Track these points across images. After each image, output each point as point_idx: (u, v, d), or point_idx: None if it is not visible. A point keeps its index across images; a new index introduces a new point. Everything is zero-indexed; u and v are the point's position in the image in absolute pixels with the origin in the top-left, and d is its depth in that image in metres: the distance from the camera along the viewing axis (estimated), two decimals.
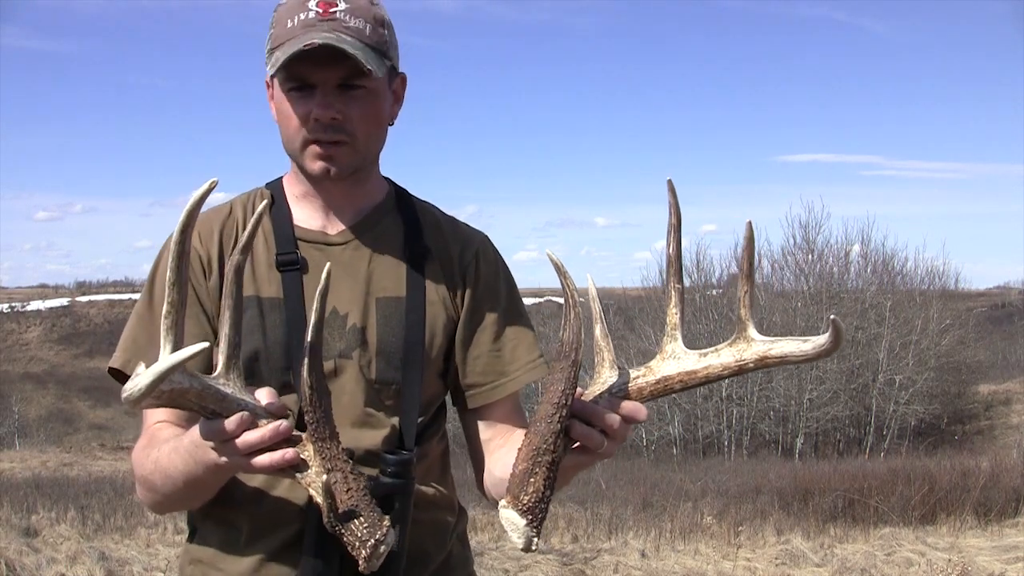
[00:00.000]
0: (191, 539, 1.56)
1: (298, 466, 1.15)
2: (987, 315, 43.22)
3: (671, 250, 1.23)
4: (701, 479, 12.65)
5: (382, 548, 1.10)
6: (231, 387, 1.17)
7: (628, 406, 1.21)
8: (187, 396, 1.12)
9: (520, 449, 1.18)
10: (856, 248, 26.62)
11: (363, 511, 1.12)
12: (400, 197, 1.62)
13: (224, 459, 1.21)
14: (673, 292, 1.24)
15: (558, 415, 1.16)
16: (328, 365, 1.45)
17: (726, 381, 23.31)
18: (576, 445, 1.20)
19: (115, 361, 1.48)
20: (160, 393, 1.09)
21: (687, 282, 24.52)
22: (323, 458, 1.13)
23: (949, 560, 7.26)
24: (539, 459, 1.16)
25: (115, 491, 10.82)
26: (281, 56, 1.40)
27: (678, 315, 1.24)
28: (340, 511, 1.12)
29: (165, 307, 1.11)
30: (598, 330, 1.23)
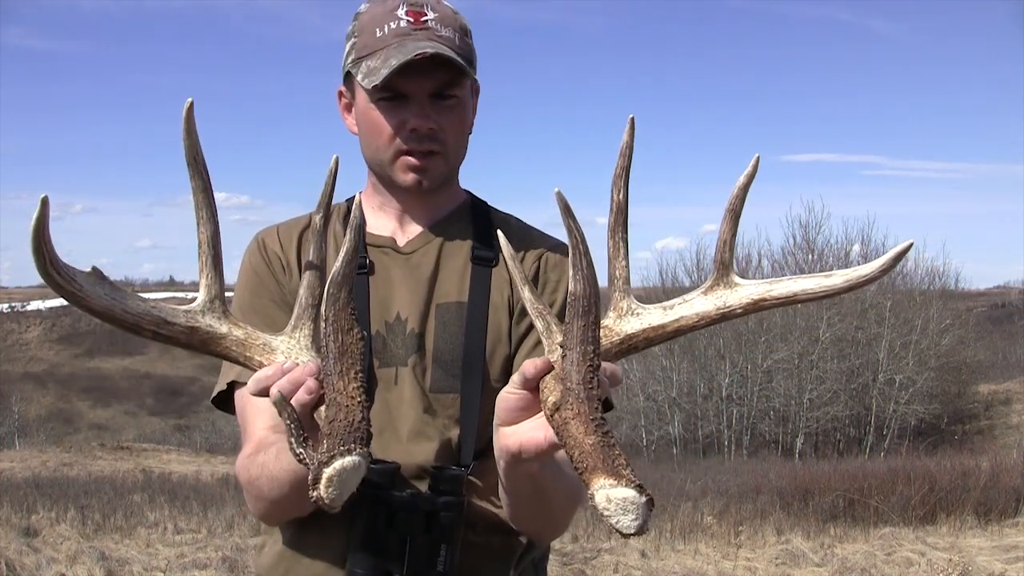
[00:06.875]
0: (258, 553, 1.54)
1: (319, 402, 1.12)
2: (987, 315, 43.17)
3: (619, 196, 1.13)
4: (701, 479, 12.65)
5: (324, 473, 0.97)
6: (294, 343, 1.17)
7: (608, 367, 1.09)
8: (223, 344, 1.16)
9: (568, 426, 1.00)
10: (856, 248, 26.56)
11: (328, 439, 1.01)
12: (476, 206, 1.58)
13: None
14: (620, 244, 1.15)
15: (596, 379, 1.02)
16: (390, 373, 1.44)
17: (727, 381, 23.35)
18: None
19: (227, 377, 1.44)
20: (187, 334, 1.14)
21: (687, 282, 24.54)
22: (327, 393, 1.07)
23: (949, 560, 7.26)
24: (601, 428, 0.99)
25: (115, 491, 10.82)
26: (380, 65, 1.36)
27: (627, 269, 1.15)
28: (304, 436, 1.04)
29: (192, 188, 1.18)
30: (526, 291, 1.14)
